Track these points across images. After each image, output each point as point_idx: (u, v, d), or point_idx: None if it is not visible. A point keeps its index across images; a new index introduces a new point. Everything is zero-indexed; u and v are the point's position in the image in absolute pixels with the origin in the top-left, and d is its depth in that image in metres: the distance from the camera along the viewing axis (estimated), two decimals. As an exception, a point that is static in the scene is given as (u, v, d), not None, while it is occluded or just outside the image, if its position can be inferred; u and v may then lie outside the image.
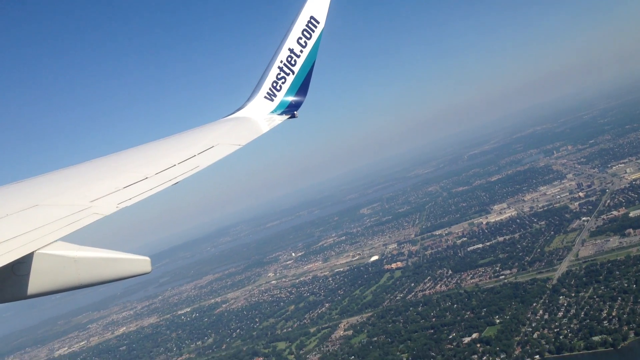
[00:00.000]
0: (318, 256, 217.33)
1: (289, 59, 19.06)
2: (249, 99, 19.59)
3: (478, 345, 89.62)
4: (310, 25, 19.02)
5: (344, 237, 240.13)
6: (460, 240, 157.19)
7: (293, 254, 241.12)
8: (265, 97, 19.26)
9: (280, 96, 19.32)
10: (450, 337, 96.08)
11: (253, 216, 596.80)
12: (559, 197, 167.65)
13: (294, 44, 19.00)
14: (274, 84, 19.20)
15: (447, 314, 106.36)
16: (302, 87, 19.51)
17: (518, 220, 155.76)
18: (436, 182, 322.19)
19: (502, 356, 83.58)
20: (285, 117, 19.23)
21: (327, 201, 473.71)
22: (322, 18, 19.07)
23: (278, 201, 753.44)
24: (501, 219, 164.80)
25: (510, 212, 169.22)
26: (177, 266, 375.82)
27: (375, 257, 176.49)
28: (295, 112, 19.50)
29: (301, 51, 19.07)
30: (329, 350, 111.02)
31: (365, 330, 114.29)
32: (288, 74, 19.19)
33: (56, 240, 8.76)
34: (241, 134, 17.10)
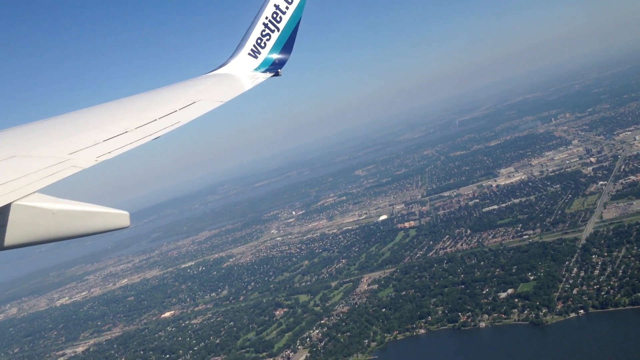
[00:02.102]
0: (321, 215, 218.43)
1: (275, 15, 18.92)
2: (232, 56, 19.45)
3: (516, 300, 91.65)
4: None
5: (344, 197, 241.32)
6: (472, 202, 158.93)
7: (293, 213, 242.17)
8: (249, 54, 19.13)
9: (265, 53, 19.19)
10: (484, 292, 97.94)
11: (239, 176, 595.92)
12: (568, 162, 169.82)
13: (280, 0, 18.88)
14: (259, 41, 19.08)
15: (475, 270, 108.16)
16: (286, 44, 19.38)
17: (530, 184, 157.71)
18: (430, 147, 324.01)
19: (543, 310, 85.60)
20: (269, 74, 19.13)
21: (316, 162, 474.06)
22: None
23: (263, 162, 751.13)
24: (511, 182, 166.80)
25: (520, 176, 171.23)
26: (166, 222, 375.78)
27: (384, 217, 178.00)
28: (279, 70, 19.41)
29: (287, 8, 18.93)
30: (356, 303, 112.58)
31: (391, 285, 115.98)
32: (273, 31, 19.05)
33: (34, 192, 8.75)
34: (224, 90, 17.04)
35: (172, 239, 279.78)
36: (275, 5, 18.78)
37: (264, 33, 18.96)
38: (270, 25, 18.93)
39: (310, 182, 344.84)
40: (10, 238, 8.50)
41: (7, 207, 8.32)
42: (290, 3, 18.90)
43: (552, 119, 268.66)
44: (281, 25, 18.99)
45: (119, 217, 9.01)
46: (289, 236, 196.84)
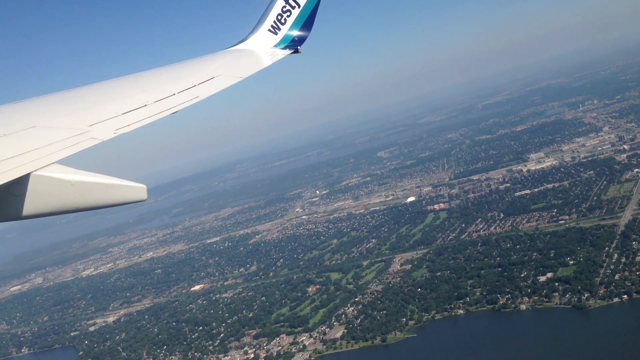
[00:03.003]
0: (346, 195, 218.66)
1: None
2: (252, 32, 19.26)
3: (556, 284, 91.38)
4: None
5: (368, 178, 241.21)
6: (503, 186, 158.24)
7: (317, 192, 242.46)
8: (269, 30, 18.94)
9: (285, 30, 18.98)
10: (522, 275, 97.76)
11: (257, 154, 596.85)
12: (600, 148, 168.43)
13: None
14: (279, 17, 18.86)
15: (512, 254, 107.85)
16: (307, 21, 19.12)
17: (562, 169, 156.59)
18: (454, 130, 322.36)
19: (585, 295, 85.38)
20: (288, 51, 18.91)
21: (336, 143, 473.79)
22: None
23: (281, 141, 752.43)
24: (542, 167, 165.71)
25: (551, 161, 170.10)
26: (186, 198, 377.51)
27: (412, 198, 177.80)
28: (298, 47, 19.15)
29: None
30: (390, 282, 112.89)
31: (425, 266, 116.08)
32: (294, 7, 18.82)
33: (53, 163, 8.80)
34: (243, 66, 16.92)
35: (194, 215, 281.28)
36: None
37: (284, 9, 18.84)
38: (290, 1, 18.81)
39: (331, 162, 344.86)
40: (28, 208, 8.57)
41: (26, 177, 8.41)
42: None
43: (580, 106, 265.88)
44: (302, 2, 18.85)
45: (136, 190, 9.10)
46: (315, 215, 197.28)
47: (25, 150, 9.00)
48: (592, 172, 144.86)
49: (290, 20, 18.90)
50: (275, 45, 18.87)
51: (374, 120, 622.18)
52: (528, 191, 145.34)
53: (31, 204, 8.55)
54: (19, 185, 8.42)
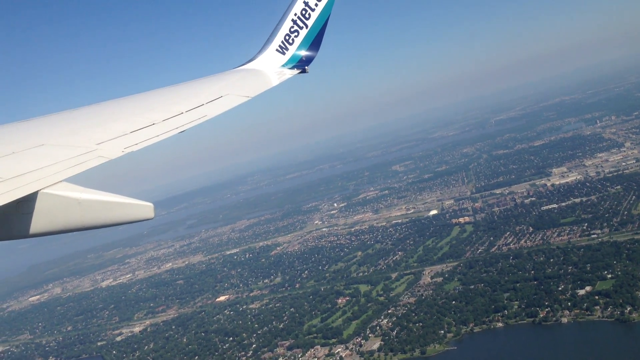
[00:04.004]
0: (365, 208, 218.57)
1: (304, 12, 18.82)
2: (260, 51, 19.39)
3: (596, 297, 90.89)
4: None
5: (386, 192, 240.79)
6: (528, 200, 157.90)
7: (335, 205, 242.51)
8: (277, 50, 19.09)
9: (292, 50, 19.12)
10: (560, 288, 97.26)
11: (267, 167, 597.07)
12: (624, 163, 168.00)
13: None
14: (287, 37, 18.99)
15: (546, 267, 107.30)
16: (314, 41, 19.28)
17: (588, 184, 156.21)
18: (469, 145, 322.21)
19: (628, 308, 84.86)
20: (296, 71, 19.10)
21: (348, 157, 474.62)
22: None
23: (290, 154, 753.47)
24: (567, 182, 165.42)
25: (575, 176, 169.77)
26: (199, 210, 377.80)
27: (434, 212, 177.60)
28: (306, 67, 19.35)
29: (316, 5, 18.82)
30: (422, 295, 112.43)
31: (456, 278, 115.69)
32: (301, 28, 18.95)
33: (61, 181, 8.84)
34: (250, 85, 17.04)
35: (210, 227, 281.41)
36: (304, 2, 18.77)
37: (292, 30, 18.96)
38: (298, 22, 18.92)
39: (345, 175, 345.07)
40: (36, 226, 8.61)
41: (34, 195, 8.44)
42: (319, 0, 18.85)
43: (597, 122, 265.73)
44: (310, 22, 18.96)
45: (143, 208, 9.10)
46: (335, 227, 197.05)
47: (33, 168, 9.07)
48: (619, 186, 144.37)
49: (297, 41, 19.08)
50: (283, 65, 19.08)
51: (383, 134, 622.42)
52: (555, 205, 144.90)
53: (39, 222, 8.62)
54: (27, 203, 8.48)
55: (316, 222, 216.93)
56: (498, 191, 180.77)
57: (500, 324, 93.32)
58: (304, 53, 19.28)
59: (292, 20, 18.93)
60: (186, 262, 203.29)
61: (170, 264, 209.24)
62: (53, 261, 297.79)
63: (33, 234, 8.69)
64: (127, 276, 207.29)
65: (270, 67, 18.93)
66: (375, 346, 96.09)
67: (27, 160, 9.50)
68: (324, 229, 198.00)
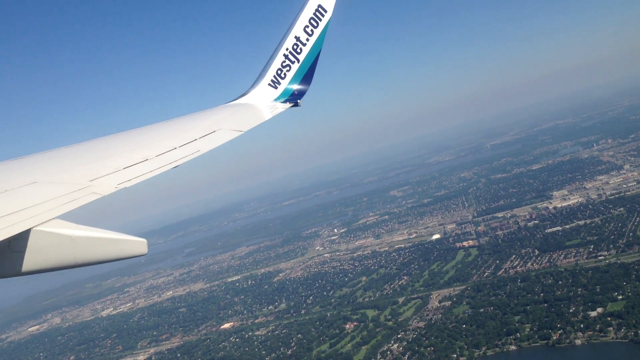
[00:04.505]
0: (365, 233, 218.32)
1: (295, 47, 19.13)
2: (252, 86, 19.66)
3: (609, 318, 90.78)
4: (317, 13, 19.14)
5: (386, 217, 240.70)
6: (531, 223, 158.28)
7: (335, 230, 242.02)
8: (269, 84, 19.35)
9: (285, 84, 19.37)
10: (571, 310, 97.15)
11: (263, 194, 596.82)
12: (625, 185, 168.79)
13: (301, 32, 19.10)
14: (279, 72, 19.26)
15: (555, 289, 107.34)
16: (306, 75, 19.59)
17: (590, 206, 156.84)
18: (466, 169, 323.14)
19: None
20: (288, 105, 19.37)
21: (344, 183, 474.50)
22: (329, 7, 19.22)
23: (283, 181, 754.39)
24: (569, 205, 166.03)
25: (577, 198, 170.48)
26: (196, 238, 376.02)
27: (437, 236, 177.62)
28: (298, 101, 19.63)
29: (307, 39, 19.14)
30: (431, 319, 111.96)
31: (465, 302, 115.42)
32: (293, 62, 19.25)
33: (54, 218, 8.83)
34: (243, 120, 17.19)
35: (209, 254, 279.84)
36: (295, 37, 19.04)
37: (284, 64, 19.19)
38: (290, 56, 19.17)
39: (342, 201, 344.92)
40: (28, 263, 8.61)
41: (26, 233, 8.43)
42: (310, 35, 19.13)
43: (594, 145, 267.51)
44: (301, 57, 19.23)
45: (137, 244, 9.14)
46: (337, 253, 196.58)
47: (26, 206, 9.03)
48: (622, 208, 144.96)
49: (290, 75, 19.30)
50: (276, 99, 19.25)
51: (378, 160, 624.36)
52: (559, 228, 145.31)
53: (31, 259, 8.59)
54: (19, 241, 8.46)
55: (317, 248, 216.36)
56: (500, 215, 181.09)
57: (513, 347, 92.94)
58: (296, 87, 19.47)
59: (284, 55, 19.13)
60: (187, 290, 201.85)
61: (171, 292, 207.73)
62: (50, 291, 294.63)
63: (25, 271, 8.66)
64: (128, 305, 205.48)
65: (263, 102, 19.09)
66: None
67: (19, 198, 9.47)
68: (326, 255, 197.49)
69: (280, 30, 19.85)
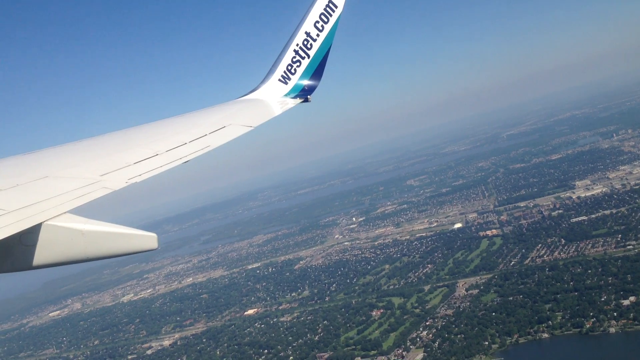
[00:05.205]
0: (385, 222, 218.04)
1: (305, 42, 19.11)
2: (263, 81, 19.65)
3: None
4: (328, 9, 19.10)
5: (405, 206, 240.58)
6: (555, 212, 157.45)
7: (354, 219, 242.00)
8: (280, 79, 19.34)
9: (295, 79, 19.40)
10: (603, 299, 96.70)
11: (276, 183, 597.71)
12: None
13: (311, 28, 19.07)
14: (289, 67, 19.27)
15: (585, 278, 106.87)
16: (317, 71, 19.59)
17: (615, 196, 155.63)
18: (483, 159, 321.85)
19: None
20: (298, 100, 19.35)
21: (358, 172, 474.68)
22: (340, 3, 19.17)
23: (297, 170, 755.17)
24: (593, 194, 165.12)
25: (600, 188, 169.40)
26: (212, 226, 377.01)
27: (458, 225, 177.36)
28: (308, 96, 19.61)
29: (318, 35, 19.13)
30: (459, 306, 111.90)
31: (492, 290, 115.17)
32: (303, 58, 19.25)
33: (65, 212, 8.89)
34: (253, 115, 17.23)
35: (226, 242, 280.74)
36: (306, 33, 19.06)
37: (294, 60, 19.23)
38: (300, 52, 19.19)
39: (358, 190, 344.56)
40: (39, 257, 8.67)
41: (37, 227, 8.48)
42: (321, 30, 19.14)
43: (614, 135, 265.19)
44: (312, 52, 19.25)
45: (147, 239, 9.17)
46: (357, 241, 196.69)
47: (37, 200, 9.09)
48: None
49: (300, 70, 19.35)
50: (286, 95, 19.27)
51: (392, 150, 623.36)
52: (585, 217, 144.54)
53: (42, 253, 8.66)
54: (31, 235, 8.52)
55: (336, 236, 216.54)
56: (522, 204, 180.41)
57: (545, 335, 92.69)
58: (306, 82, 19.55)
59: (294, 50, 19.20)
60: (207, 277, 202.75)
61: (191, 278, 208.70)
62: (68, 277, 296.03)
63: (36, 265, 8.77)
64: (148, 291, 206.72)
65: (273, 97, 19.12)
66: (418, 357, 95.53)
67: (31, 192, 9.54)
68: (346, 243, 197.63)
69: (290, 25, 19.97)
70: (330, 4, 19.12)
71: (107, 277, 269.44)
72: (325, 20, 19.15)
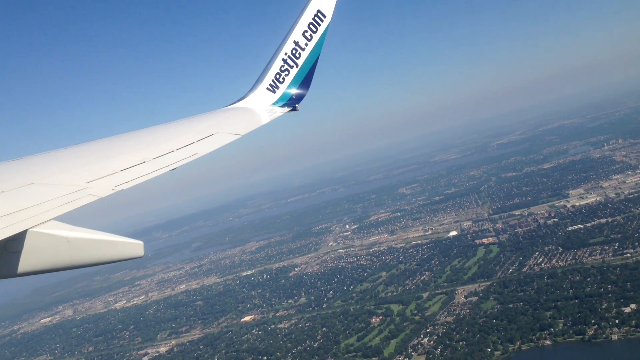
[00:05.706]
0: (379, 229, 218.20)
1: (294, 51, 19.30)
2: (251, 90, 19.81)
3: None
4: (317, 18, 19.28)
5: (398, 214, 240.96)
6: (551, 221, 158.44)
7: (347, 227, 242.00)
8: (268, 88, 19.51)
9: (283, 88, 19.56)
10: (603, 306, 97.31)
11: (266, 191, 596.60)
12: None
13: (300, 37, 19.26)
14: (277, 76, 19.42)
15: (584, 286, 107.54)
16: (305, 80, 19.77)
17: (610, 205, 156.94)
18: (475, 168, 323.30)
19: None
20: (286, 109, 19.53)
21: (349, 180, 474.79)
22: (329, 12, 19.33)
23: (285, 178, 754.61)
24: (587, 203, 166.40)
25: (594, 197, 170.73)
26: (203, 233, 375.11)
27: (454, 232, 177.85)
28: (296, 105, 19.78)
29: (306, 44, 19.30)
30: (459, 314, 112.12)
31: (492, 298, 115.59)
32: (292, 67, 19.43)
33: (50, 219, 8.86)
34: (241, 123, 17.37)
35: (218, 249, 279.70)
36: (294, 42, 19.20)
37: (282, 68, 19.34)
38: (289, 61, 19.31)
39: (350, 198, 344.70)
40: (24, 265, 8.60)
41: (23, 234, 8.44)
42: (309, 40, 19.27)
43: (605, 145, 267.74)
44: (300, 61, 19.38)
45: (133, 246, 9.16)
46: (352, 248, 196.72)
47: (22, 207, 9.05)
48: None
49: (288, 79, 19.42)
50: (274, 103, 19.37)
51: (382, 158, 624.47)
52: (581, 226, 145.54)
53: (27, 260, 8.59)
54: (16, 242, 8.45)
55: (330, 243, 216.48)
56: (517, 212, 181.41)
57: (548, 342, 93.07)
58: (294, 91, 19.62)
59: (283, 59, 19.26)
60: (200, 284, 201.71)
61: (184, 285, 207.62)
62: (59, 284, 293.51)
63: (21, 273, 8.65)
64: (141, 298, 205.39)
65: (261, 106, 19.18)
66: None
67: (17, 199, 9.48)
68: (341, 250, 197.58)
69: (279, 34, 19.99)
70: (319, 14, 19.15)
71: (97, 284, 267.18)
72: (314, 29, 19.18)
